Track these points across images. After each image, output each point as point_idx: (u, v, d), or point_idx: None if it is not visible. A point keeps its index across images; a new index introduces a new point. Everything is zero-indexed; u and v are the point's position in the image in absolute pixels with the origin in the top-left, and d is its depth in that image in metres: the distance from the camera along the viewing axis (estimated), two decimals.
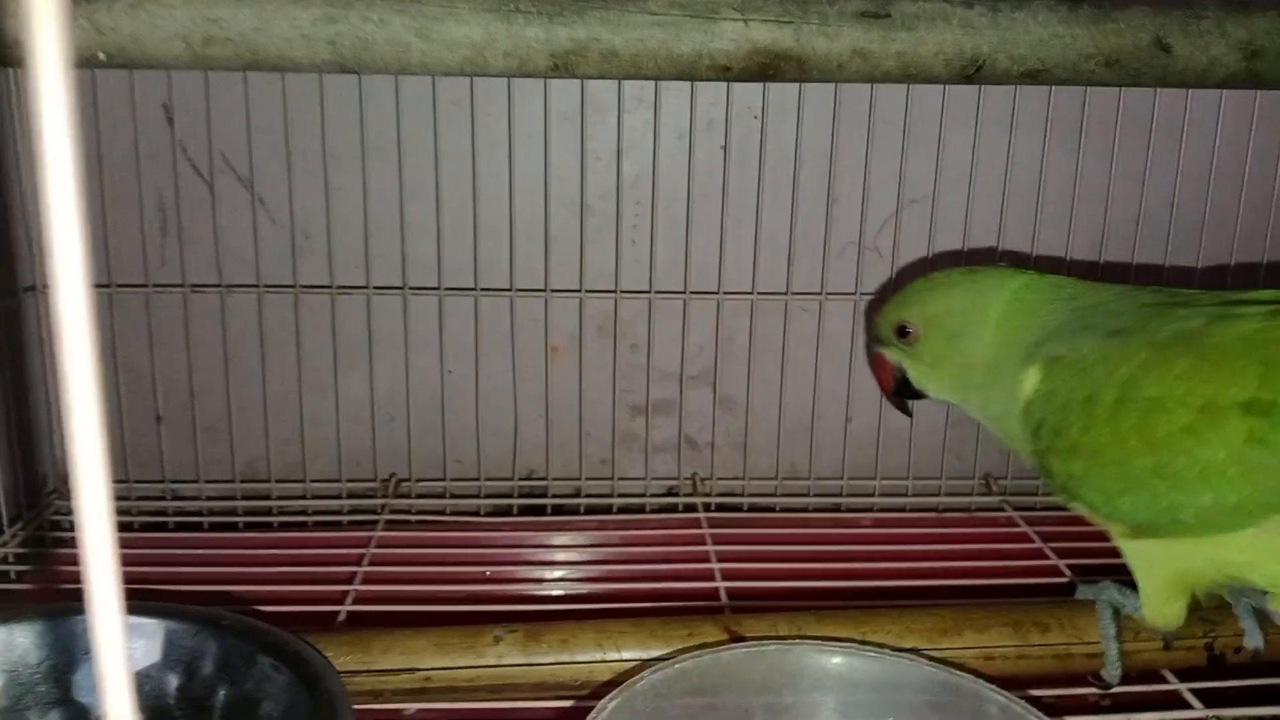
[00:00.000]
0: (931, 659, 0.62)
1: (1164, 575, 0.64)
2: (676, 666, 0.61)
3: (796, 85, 1.01)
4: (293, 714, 0.59)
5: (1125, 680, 0.75)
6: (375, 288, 1.03)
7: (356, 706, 0.68)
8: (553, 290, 1.04)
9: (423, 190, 1.02)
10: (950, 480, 1.10)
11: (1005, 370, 0.68)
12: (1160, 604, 0.65)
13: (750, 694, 0.62)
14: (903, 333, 0.77)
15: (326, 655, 0.63)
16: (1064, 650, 0.70)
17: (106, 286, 1.02)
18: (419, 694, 0.68)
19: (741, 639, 0.68)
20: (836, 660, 0.62)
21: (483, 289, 1.04)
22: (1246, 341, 0.54)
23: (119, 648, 0.26)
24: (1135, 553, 0.64)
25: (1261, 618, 0.71)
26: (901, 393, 0.81)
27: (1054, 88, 1.02)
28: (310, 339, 1.05)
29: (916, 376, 0.79)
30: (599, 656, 0.68)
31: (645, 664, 0.66)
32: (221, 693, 0.63)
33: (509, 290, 1.04)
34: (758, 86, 1.02)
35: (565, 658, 0.68)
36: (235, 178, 1.04)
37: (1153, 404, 0.54)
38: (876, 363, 0.82)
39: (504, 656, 0.68)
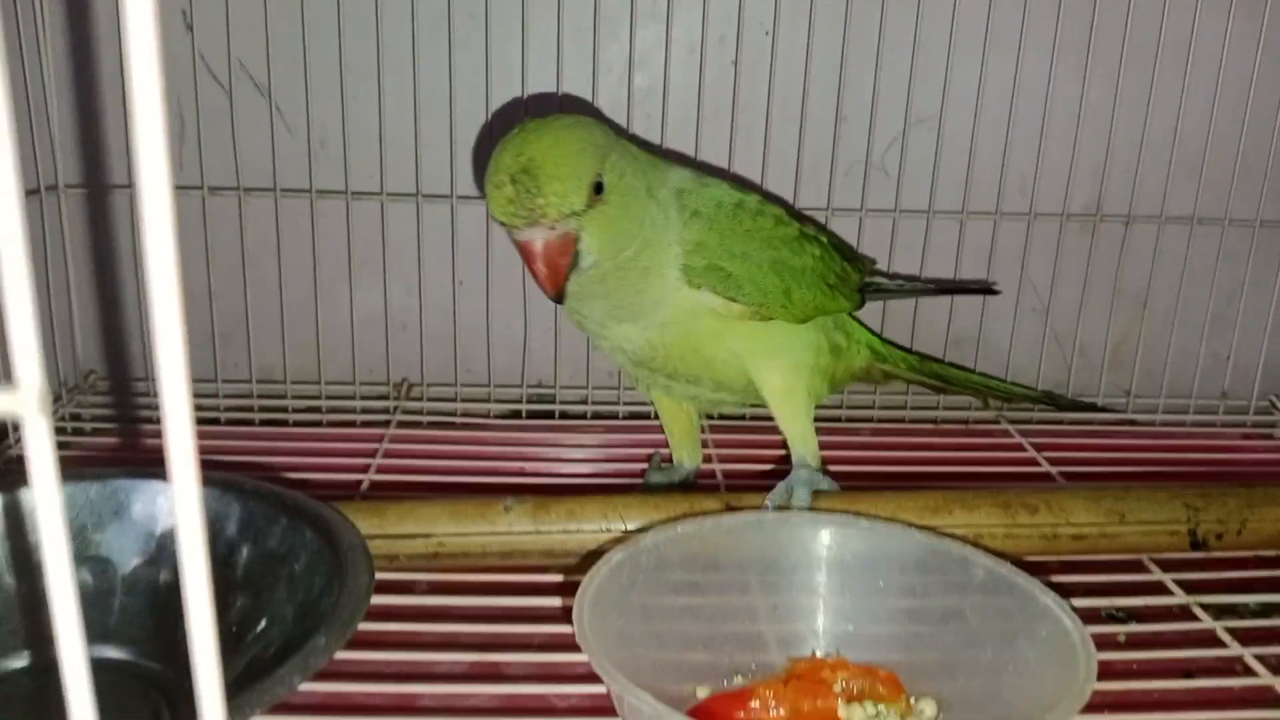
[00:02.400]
0: (920, 528, 0.65)
1: (800, 375, 0.81)
2: (679, 529, 0.64)
3: (808, 1, 1.03)
4: (314, 566, 0.62)
5: (1105, 569, 0.78)
6: (389, 194, 1.05)
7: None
8: None
9: (437, 101, 1.04)
10: (946, 396, 1.13)
11: (660, 200, 0.74)
12: (809, 426, 0.81)
13: (748, 564, 0.65)
14: (599, 189, 0.68)
15: (349, 518, 0.66)
16: (1050, 531, 0.72)
17: (127, 187, 1.04)
18: (432, 558, 0.71)
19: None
20: (830, 530, 0.65)
21: None
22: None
23: (196, 512, 0.26)
24: (775, 351, 0.80)
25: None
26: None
27: (1062, 9, 1.04)
28: (326, 245, 1.07)
29: (594, 243, 0.69)
30: (604, 526, 0.71)
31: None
32: (245, 551, 0.66)
33: None
34: (769, 2, 1.03)
35: (572, 527, 0.71)
36: (253, 86, 1.06)
37: (779, 219, 0.79)
38: (552, 249, 0.67)
39: (514, 525, 0.71)
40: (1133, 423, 1.15)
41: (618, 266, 0.71)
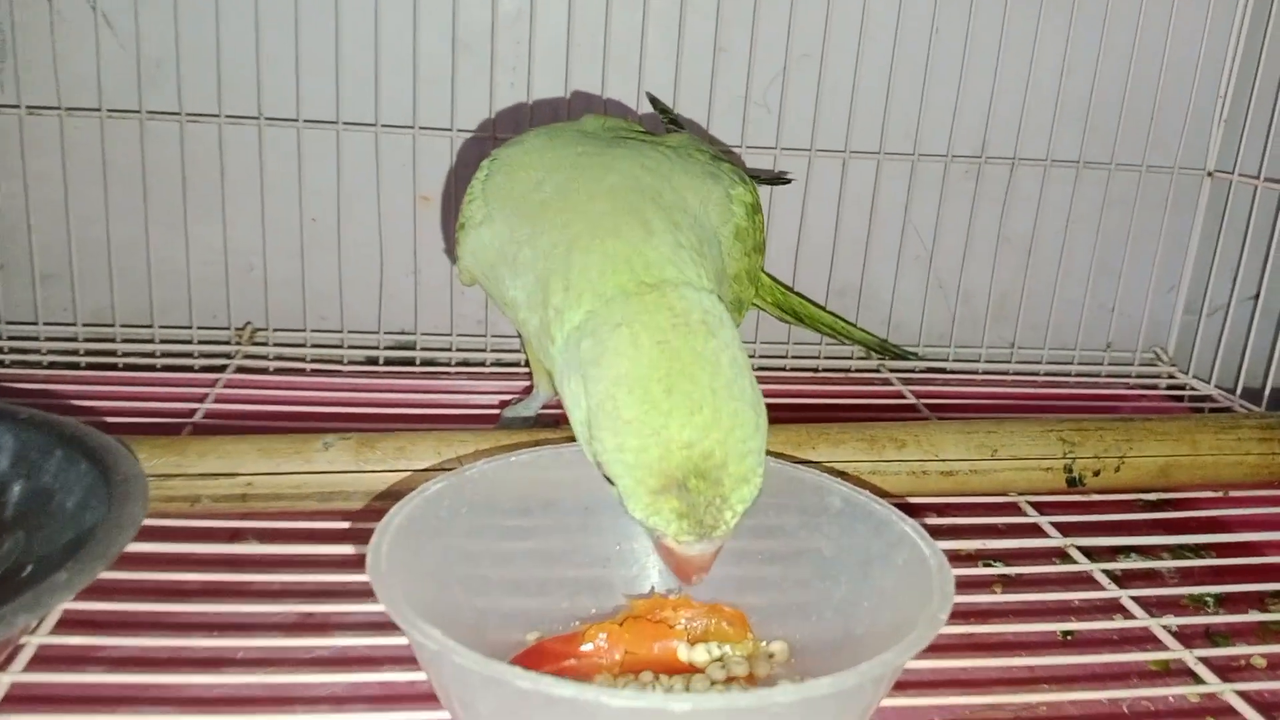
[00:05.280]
0: (777, 458, 0.60)
1: None
2: (512, 459, 0.57)
3: None
4: (86, 502, 0.55)
5: (980, 511, 0.74)
6: (228, 116, 0.96)
7: (174, 516, 0.64)
8: (421, 128, 0.99)
9: (282, 14, 0.95)
10: (829, 345, 1.08)
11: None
12: None
13: (590, 499, 0.59)
14: None
15: (133, 450, 0.58)
16: (919, 468, 0.68)
17: None
18: (240, 500, 0.63)
19: None
20: None
21: (345, 123, 0.98)
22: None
23: None
24: None
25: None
26: None
27: None
28: (158, 174, 0.98)
29: None
30: (438, 464, 0.64)
31: None
32: (16, 488, 0.58)
33: (374, 125, 0.98)
34: None
35: (402, 465, 0.64)
36: None
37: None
38: (715, 556, 0.49)
39: (334, 463, 0.64)
40: (1015, 374, 1.11)
41: None
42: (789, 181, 0.95)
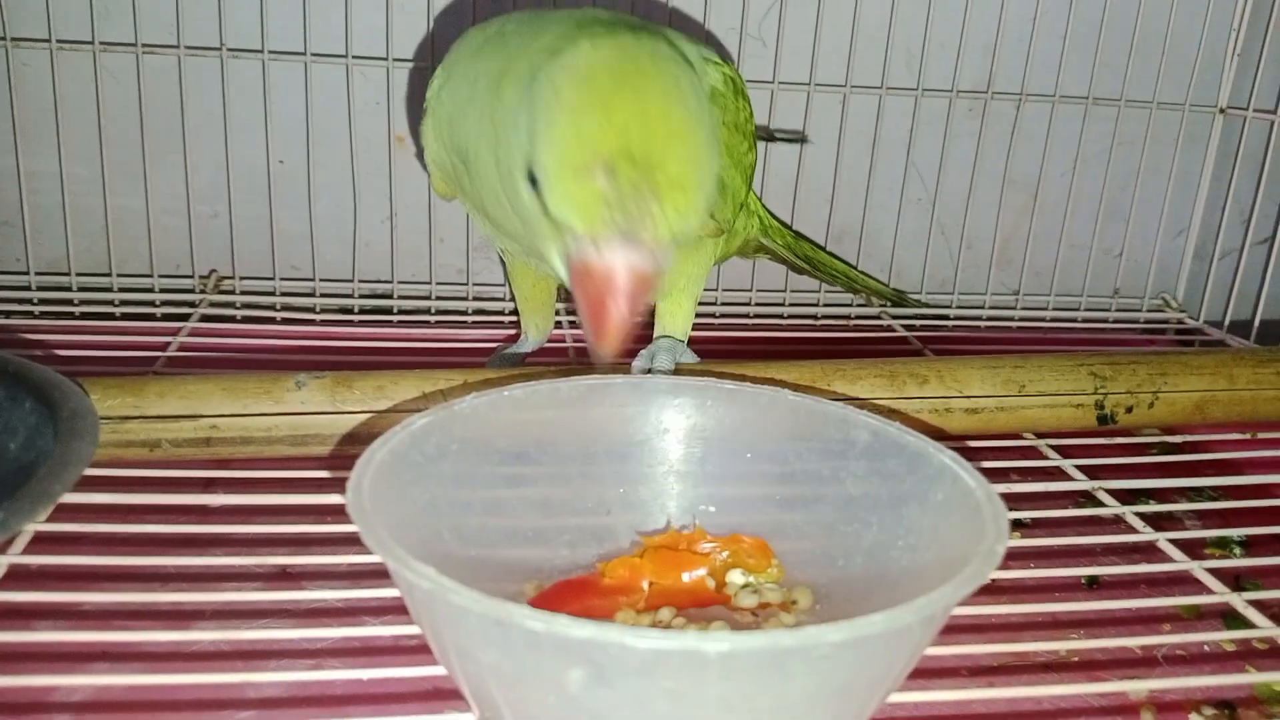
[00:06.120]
0: (796, 390, 0.55)
1: (704, 265, 0.70)
2: (505, 393, 0.52)
3: None
4: (33, 443, 0.49)
5: (998, 454, 0.69)
6: (188, 48, 0.90)
7: (129, 465, 0.58)
8: (395, 60, 0.92)
9: None
10: (828, 292, 1.03)
11: None
12: (692, 307, 0.70)
13: (590, 437, 0.54)
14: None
15: (84, 387, 0.53)
16: (942, 405, 0.63)
17: None
18: (204, 445, 0.57)
19: None
20: (689, 395, 0.54)
21: (314, 54, 0.91)
22: None
23: None
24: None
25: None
26: None
27: None
28: (114, 112, 0.91)
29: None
30: (421, 406, 0.59)
31: None
32: None
33: (344, 56, 0.91)
34: None
35: (382, 404, 0.59)
36: None
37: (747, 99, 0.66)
38: (642, 284, 0.43)
39: (307, 403, 0.58)
40: (1021, 320, 1.07)
41: None
42: (807, 140, 0.91)
